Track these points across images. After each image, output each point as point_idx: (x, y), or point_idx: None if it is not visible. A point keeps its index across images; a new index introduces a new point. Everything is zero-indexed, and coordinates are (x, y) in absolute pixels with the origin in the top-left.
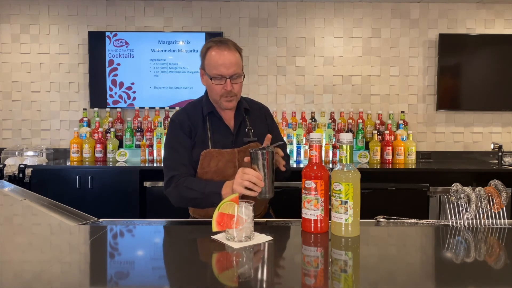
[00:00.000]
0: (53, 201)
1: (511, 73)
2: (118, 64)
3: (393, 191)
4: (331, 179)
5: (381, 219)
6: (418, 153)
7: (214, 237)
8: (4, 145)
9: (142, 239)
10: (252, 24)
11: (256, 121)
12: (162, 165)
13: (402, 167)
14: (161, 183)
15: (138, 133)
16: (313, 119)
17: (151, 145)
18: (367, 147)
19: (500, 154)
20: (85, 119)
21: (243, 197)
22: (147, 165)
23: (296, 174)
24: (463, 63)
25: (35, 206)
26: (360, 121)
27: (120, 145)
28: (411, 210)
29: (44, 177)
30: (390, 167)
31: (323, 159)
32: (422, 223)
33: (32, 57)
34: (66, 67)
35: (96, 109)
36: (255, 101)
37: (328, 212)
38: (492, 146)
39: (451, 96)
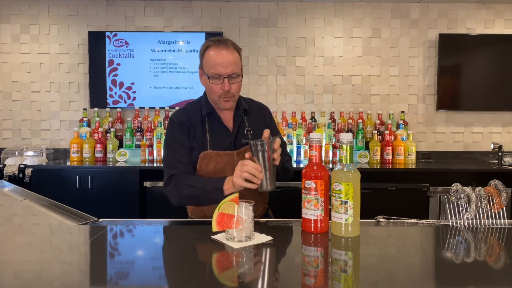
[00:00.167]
0: (53, 201)
1: (511, 73)
2: (118, 64)
3: (393, 191)
4: (331, 179)
5: (381, 219)
6: (418, 153)
7: (214, 237)
8: (4, 145)
9: (142, 239)
10: (252, 24)
11: (255, 121)
12: (162, 165)
13: (402, 167)
14: (161, 183)
15: (138, 133)
16: (313, 119)
17: (151, 145)
18: (367, 147)
19: (500, 154)
20: (85, 119)
21: (244, 195)
22: (147, 165)
23: (296, 174)
24: (463, 63)
25: (35, 206)
26: (360, 121)
27: (120, 145)
28: (411, 210)
29: (44, 177)
30: (390, 167)
31: (323, 159)
32: (422, 223)
33: (32, 57)
34: (66, 67)
35: (96, 109)
36: (254, 101)
37: (328, 212)
38: (492, 146)
39: (451, 96)
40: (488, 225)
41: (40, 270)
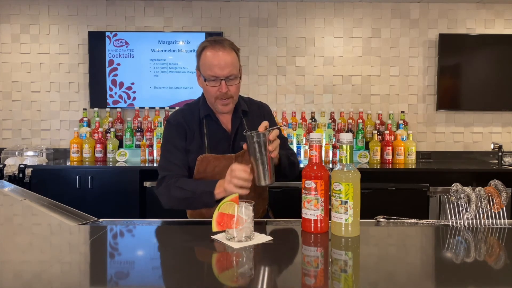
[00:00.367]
0: (53, 201)
1: (511, 73)
2: (118, 64)
3: (393, 191)
4: (331, 179)
5: (381, 219)
6: (418, 153)
7: (214, 237)
8: (4, 145)
9: (142, 239)
10: (252, 24)
11: (255, 122)
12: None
13: (402, 167)
14: None
15: (138, 133)
16: (313, 119)
17: (151, 145)
18: (367, 147)
19: (500, 154)
20: (85, 119)
21: (244, 196)
22: (147, 165)
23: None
24: (463, 63)
25: (35, 206)
26: (360, 121)
27: (120, 145)
28: (411, 210)
29: (44, 177)
30: (390, 167)
31: (323, 159)
32: (422, 223)
33: (32, 57)
34: (66, 67)
35: (96, 109)
36: (254, 101)
37: (328, 212)
38: (492, 146)
39: (451, 96)
40: (488, 225)
41: (40, 270)
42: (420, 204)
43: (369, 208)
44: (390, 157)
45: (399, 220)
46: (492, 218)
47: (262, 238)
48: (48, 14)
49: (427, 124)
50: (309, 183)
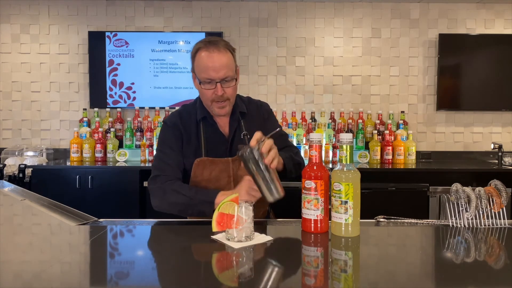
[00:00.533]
0: (53, 201)
1: (511, 73)
2: (118, 64)
3: (393, 191)
4: (331, 179)
5: (381, 219)
6: (418, 153)
7: (214, 237)
8: (4, 145)
9: (142, 239)
10: (252, 24)
11: (254, 122)
12: None
13: (402, 167)
14: None
15: (138, 133)
16: (313, 119)
17: (151, 145)
18: (367, 147)
19: (500, 154)
20: (85, 119)
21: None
22: (147, 165)
23: None
24: (463, 63)
25: (35, 206)
26: (360, 121)
27: (120, 145)
28: (411, 210)
29: (44, 177)
30: (390, 167)
31: (323, 159)
32: (422, 223)
33: (32, 57)
34: (66, 67)
35: (96, 109)
36: (253, 100)
37: (328, 212)
38: (492, 146)
39: (451, 96)
40: (488, 225)
41: (40, 270)
42: (420, 204)
43: (369, 208)
44: (390, 157)
45: (399, 220)
46: (492, 218)
47: (262, 238)
48: (48, 14)
49: (427, 124)
50: (309, 183)
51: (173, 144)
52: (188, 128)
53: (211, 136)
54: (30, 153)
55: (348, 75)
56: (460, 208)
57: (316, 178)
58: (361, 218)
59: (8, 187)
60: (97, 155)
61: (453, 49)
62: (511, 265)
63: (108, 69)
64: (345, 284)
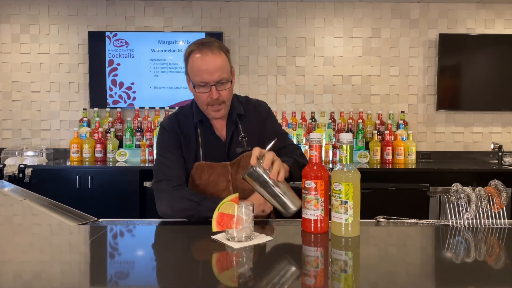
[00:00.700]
0: (53, 201)
1: (511, 73)
2: (118, 64)
3: (393, 191)
4: (331, 179)
5: (381, 219)
6: (418, 153)
7: (214, 237)
8: (4, 145)
9: (142, 239)
10: (252, 24)
11: (252, 123)
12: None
13: (402, 167)
14: None
15: (138, 133)
16: (313, 119)
17: (151, 145)
18: (367, 147)
19: (500, 154)
20: (85, 119)
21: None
22: (147, 165)
23: None
24: (463, 63)
25: (35, 206)
26: (360, 121)
27: (120, 145)
28: (411, 210)
29: (44, 177)
30: (390, 167)
31: (323, 159)
32: (422, 223)
33: (32, 57)
34: (66, 67)
35: (96, 109)
36: (251, 100)
37: (328, 212)
38: (492, 146)
39: (451, 96)
40: (488, 225)
41: (40, 270)
42: (420, 204)
43: (369, 208)
44: (390, 157)
45: (399, 220)
46: (492, 218)
47: (262, 238)
48: (48, 14)
49: (427, 124)
50: (309, 183)
51: (173, 148)
52: (186, 132)
53: (208, 140)
54: (30, 153)
55: (348, 75)
56: (460, 208)
57: (316, 178)
58: (361, 218)
59: (8, 187)
60: (97, 155)
61: (453, 49)
62: (511, 265)
63: (108, 69)
64: (345, 284)
